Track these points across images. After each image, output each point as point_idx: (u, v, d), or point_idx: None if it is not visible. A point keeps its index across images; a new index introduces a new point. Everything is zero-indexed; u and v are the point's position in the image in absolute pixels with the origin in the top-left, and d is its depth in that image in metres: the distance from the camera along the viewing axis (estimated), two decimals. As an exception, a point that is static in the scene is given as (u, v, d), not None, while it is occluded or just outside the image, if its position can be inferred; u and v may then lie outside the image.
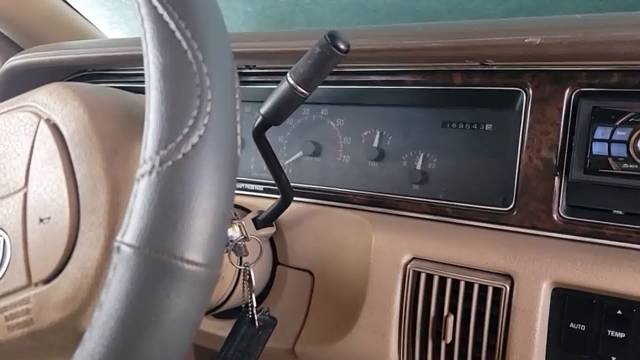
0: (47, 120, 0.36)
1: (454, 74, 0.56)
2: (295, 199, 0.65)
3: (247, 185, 0.69)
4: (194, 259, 0.29)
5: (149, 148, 0.29)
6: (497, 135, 0.60)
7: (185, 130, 0.29)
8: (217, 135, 0.30)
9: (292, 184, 0.66)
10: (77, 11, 1.02)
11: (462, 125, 0.63)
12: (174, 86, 0.30)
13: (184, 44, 0.31)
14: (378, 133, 0.67)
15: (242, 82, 0.70)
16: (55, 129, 0.35)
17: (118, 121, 0.36)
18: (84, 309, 0.32)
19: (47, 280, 0.33)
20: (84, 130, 0.34)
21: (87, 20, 1.04)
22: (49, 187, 0.33)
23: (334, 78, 0.64)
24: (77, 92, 0.36)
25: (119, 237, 0.29)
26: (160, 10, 0.31)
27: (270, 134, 0.73)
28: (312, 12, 1.04)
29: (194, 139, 0.29)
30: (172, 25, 0.31)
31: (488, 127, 0.61)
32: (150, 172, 0.29)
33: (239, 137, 0.33)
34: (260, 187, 0.68)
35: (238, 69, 0.69)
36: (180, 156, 0.29)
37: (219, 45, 0.32)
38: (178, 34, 0.31)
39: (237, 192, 0.70)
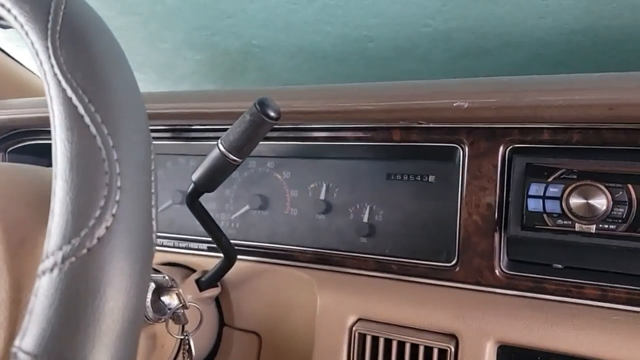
0: (-49, 207, 0.34)
1: (393, 130, 0.56)
2: (241, 257, 0.64)
3: (191, 244, 0.67)
4: (100, 363, 0.27)
5: (51, 243, 0.28)
6: (440, 187, 0.61)
7: (91, 223, 0.28)
8: (127, 225, 0.29)
9: (238, 241, 0.65)
10: (22, 65, 1.00)
11: (406, 177, 0.63)
12: (80, 174, 0.29)
13: (93, 129, 0.29)
14: (324, 186, 0.67)
15: (185, 138, 0.69)
16: (-43, 216, 0.33)
17: (28, 206, 0.34)
18: (-21, 422, 0.29)
19: (-60, 390, 0.30)
20: (-13, 218, 0.32)
21: (33, 73, 1.02)
22: (-54, 284, 0.31)
23: (276, 134, 0.63)
24: (-16, 175, 0.34)
25: (17, 342, 0.26)
26: (69, 92, 0.30)
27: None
28: (263, 59, 1.04)
29: (101, 232, 0.28)
30: (81, 109, 0.29)
31: (431, 178, 0.62)
32: (51, 269, 0.27)
33: (154, 222, 0.32)
34: (204, 246, 0.66)
35: (176, 126, 0.67)
36: (84, 251, 0.27)
37: (131, 129, 0.31)
38: (87, 119, 0.29)
39: (181, 251, 0.68)
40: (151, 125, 0.70)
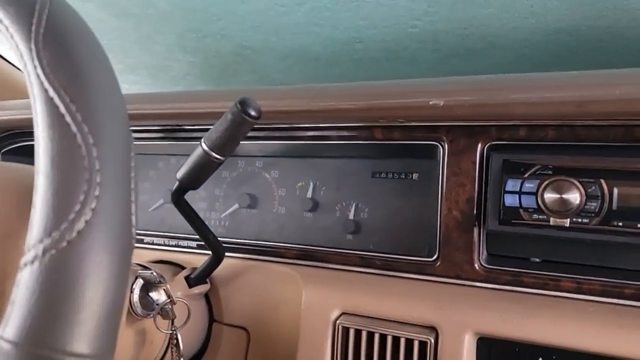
0: (-61, 204, 0.35)
1: (375, 129, 0.58)
2: (229, 254, 0.65)
3: (181, 242, 0.69)
4: (79, 350, 0.28)
5: (33, 236, 0.29)
6: (423, 185, 0.62)
7: (71, 216, 0.29)
8: (106, 219, 0.30)
9: (227, 238, 0.66)
10: (16, 67, 1.01)
11: (390, 175, 0.64)
12: (60, 171, 0.30)
13: (74, 128, 0.30)
14: (312, 184, 0.68)
15: (176, 139, 0.70)
16: (-55, 212, 0.34)
17: (13, 202, 0.35)
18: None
19: None
20: (-27, 214, 0.33)
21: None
22: None
23: (264, 134, 0.65)
24: (-29, 173, 0.36)
25: (-1, 332, 0.28)
26: (51, 93, 0.31)
27: (206, 187, 0.73)
28: (254, 60, 1.05)
29: (80, 225, 0.29)
30: (62, 109, 0.31)
31: (415, 176, 0.63)
32: (32, 261, 0.28)
33: (134, 217, 0.33)
34: (194, 244, 0.68)
35: (167, 126, 0.69)
36: (64, 244, 0.28)
37: (112, 128, 0.32)
38: (68, 118, 0.31)
39: (171, 249, 0.70)
40: (142, 126, 0.71)
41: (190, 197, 0.59)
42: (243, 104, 0.44)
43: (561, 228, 0.49)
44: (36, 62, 0.32)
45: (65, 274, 0.28)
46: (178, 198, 0.54)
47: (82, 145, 0.30)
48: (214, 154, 0.47)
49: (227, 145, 0.47)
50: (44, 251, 0.28)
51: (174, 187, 0.53)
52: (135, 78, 1.13)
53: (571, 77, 0.45)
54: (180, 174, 0.51)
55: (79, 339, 0.28)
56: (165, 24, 0.92)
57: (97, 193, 0.30)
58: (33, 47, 0.32)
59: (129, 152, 0.33)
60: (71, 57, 0.33)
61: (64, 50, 0.33)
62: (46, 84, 0.31)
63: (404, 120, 0.52)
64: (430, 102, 0.47)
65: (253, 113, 0.45)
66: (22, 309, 0.27)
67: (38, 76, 0.31)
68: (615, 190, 0.47)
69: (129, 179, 0.33)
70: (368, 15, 0.84)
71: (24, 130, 0.77)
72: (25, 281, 0.28)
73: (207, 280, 0.64)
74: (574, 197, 0.48)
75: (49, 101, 0.31)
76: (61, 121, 0.30)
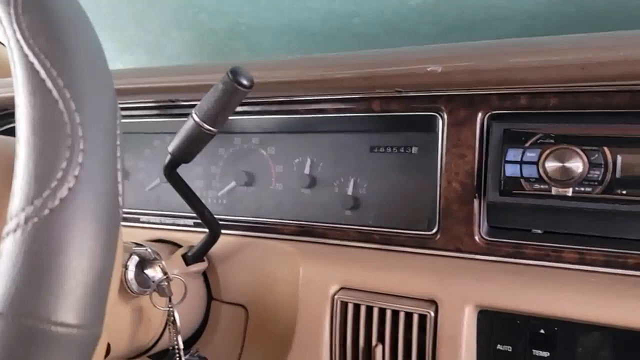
0: None
1: (373, 101, 0.56)
2: (227, 231, 0.64)
3: (177, 220, 0.68)
4: (65, 320, 0.27)
5: (14, 204, 0.28)
6: (422, 158, 0.61)
7: (53, 184, 0.28)
8: (90, 187, 0.29)
9: (224, 216, 0.65)
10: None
11: (389, 149, 0.63)
12: (42, 138, 0.29)
13: (55, 94, 0.29)
14: (309, 160, 0.67)
15: (167, 115, 0.69)
16: None
17: (-5, 173, 0.34)
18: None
19: None
20: (-45, 185, 0.32)
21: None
22: None
23: (258, 109, 0.63)
24: (-47, 144, 0.35)
25: (-17, 302, 0.27)
26: (31, 58, 0.30)
27: (203, 164, 0.72)
28: (250, 38, 1.03)
29: (63, 193, 0.28)
30: (43, 74, 0.30)
31: (414, 150, 0.62)
32: (15, 230, 0.27)
33: (120, 185, 0.32)
34: (190, 222, 0.67)
35: (162, 102, 0.67)
36: (47, 212, 0.27)
37: (95, 93, 0.31)
38: (49, 83, 0.30)
39: (168, 227, 0.69)
40: (137, 102, 0.70)
41: (186, 175, 0.58)
42: (235, 73, 0.43)
43: (563, 198, 0.48)
44: (15, 27, 0.31)
45: (48, 242, 0.27)
46: (170, 172, 0.53)
47: (64, 112, 0.29)
48: (205, 126, 0.46)
49: (218, 116, 0.46)
50: (26, 219, 0.27)
51: (166, 161, 0.52)
52: (130, 56, 1.11)
53: (574, 40, 0.43)
54: (171, 147, 0.50)
55: (64, 308, 0.27)
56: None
57: (80, 160, 0.29)
58: (12, 11, 0.31)
59: (114, 119, 0.32)
60: (52, 21, 0.31)
61: (44, 14, 0.31)
62: (26, 49, 0.30)
63: (402, 89, 0.51)
64: (428, 69, 0.45)
65: (245, 82, 0.43)
66: (6, 278, 0.27)
67: (18, 41, 0.30)
68: (619, 158, 0.46)
69: (115, 147, 0.32)
70: (366, -13, 0.82)
71: (16, 110, 0.75)
72: (8, 250, 0.27)
73: (205, 258, 0.64)
74: (577, 165, 0.47)
75: (29, 66, 0.30)
76: (42, 87, 0.29)
